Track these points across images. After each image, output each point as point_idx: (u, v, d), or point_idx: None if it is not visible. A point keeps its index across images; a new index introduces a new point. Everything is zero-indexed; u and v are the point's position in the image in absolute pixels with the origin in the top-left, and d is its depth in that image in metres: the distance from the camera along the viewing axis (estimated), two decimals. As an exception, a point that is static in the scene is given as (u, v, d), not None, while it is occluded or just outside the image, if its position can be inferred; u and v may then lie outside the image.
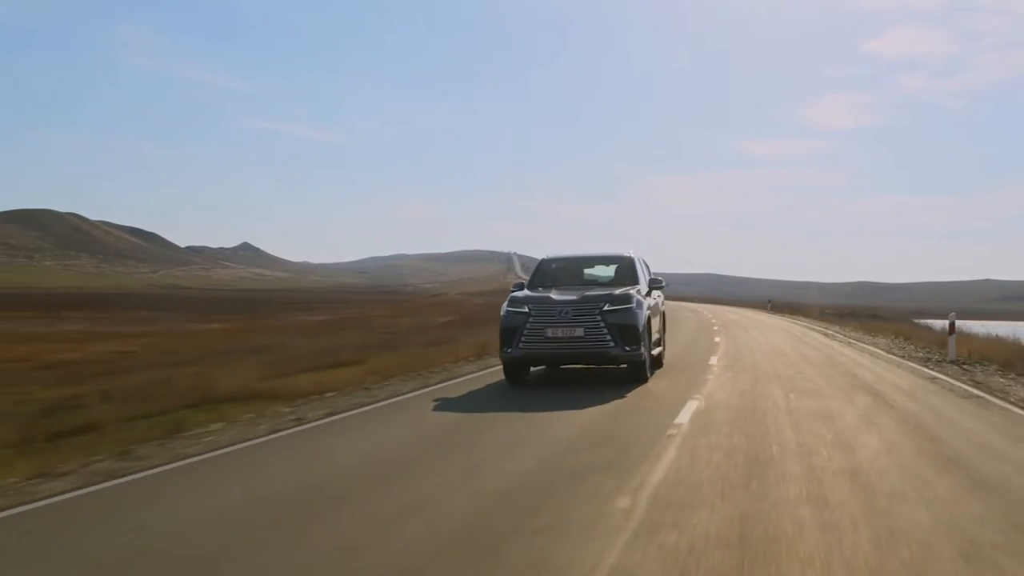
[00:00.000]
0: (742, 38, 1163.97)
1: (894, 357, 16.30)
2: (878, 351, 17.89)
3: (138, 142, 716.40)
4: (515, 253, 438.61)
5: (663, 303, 14.19)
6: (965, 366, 13.88)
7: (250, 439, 7.62)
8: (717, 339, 20.46)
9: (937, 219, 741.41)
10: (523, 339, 11.05)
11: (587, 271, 13.43)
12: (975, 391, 10.62)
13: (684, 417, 8.18)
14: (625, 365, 11.34)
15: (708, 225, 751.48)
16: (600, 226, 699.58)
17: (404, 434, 8.12)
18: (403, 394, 10.72)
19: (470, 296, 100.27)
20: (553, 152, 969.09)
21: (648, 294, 12.28)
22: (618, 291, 11.53)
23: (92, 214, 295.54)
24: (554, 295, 11.48)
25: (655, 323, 12.66)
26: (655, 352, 12.67)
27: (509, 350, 11.23)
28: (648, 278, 12.92)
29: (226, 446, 7.32)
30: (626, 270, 12.86)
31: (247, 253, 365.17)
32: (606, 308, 10.96)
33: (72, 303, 57.84)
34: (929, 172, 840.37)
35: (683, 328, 25.32)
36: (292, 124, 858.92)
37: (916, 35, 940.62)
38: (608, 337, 10.82)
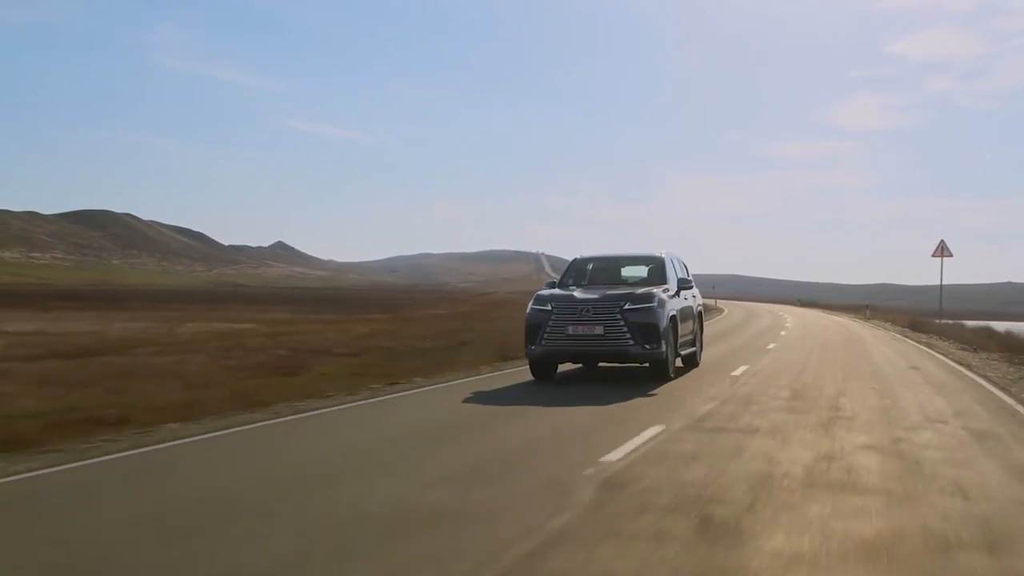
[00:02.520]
0: (769, 38, 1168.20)
1: (849, 319, 43.08)
2: (844, 317, 44.82)
3: (166, 141, 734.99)
4: (543, 253, 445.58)
5: (699, 304, 14.98)
6: (872, 320, 39.57)
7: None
8: (783, 313, 47.92)
9: (961, 222, 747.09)
10: (545, 336, 11.76)
11: (619, 271, 14.03)
12: (865, 323, 38.02)
13: (788, 323, 34.63)
14: (647, 364, 11.98)
15: (735, 225, 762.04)
16: (629, 226, 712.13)
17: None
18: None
19: (520, 295, 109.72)
20: (582, 152, 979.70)
21: (676, 294, 12.83)
22: (640, 290, 12.15)
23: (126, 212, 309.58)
24: (577, 294, 12.23)
25: (687, 323, 13.31)
26: (685, 352, 13.42)
27: (532, 347, 11.98)
28: (678, 278, 13.44)
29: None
30: (657, 270, 13.35)
31: (283, 252, 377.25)
32: (627, 307, 11.56)
33: (216, 299, 67.77)
34: (955, 174, 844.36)
35: (762, 310, 53.37)
36: (318, 124, 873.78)
37: (942, 37, 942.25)
38: (628, 335, 11.44)
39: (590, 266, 13.92)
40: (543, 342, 11.79)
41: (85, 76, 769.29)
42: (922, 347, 21.91)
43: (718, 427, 8.26)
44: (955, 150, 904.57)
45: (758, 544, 4.36)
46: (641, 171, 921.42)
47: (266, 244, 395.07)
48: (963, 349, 20.16)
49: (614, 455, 6.67)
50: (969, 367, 15.47)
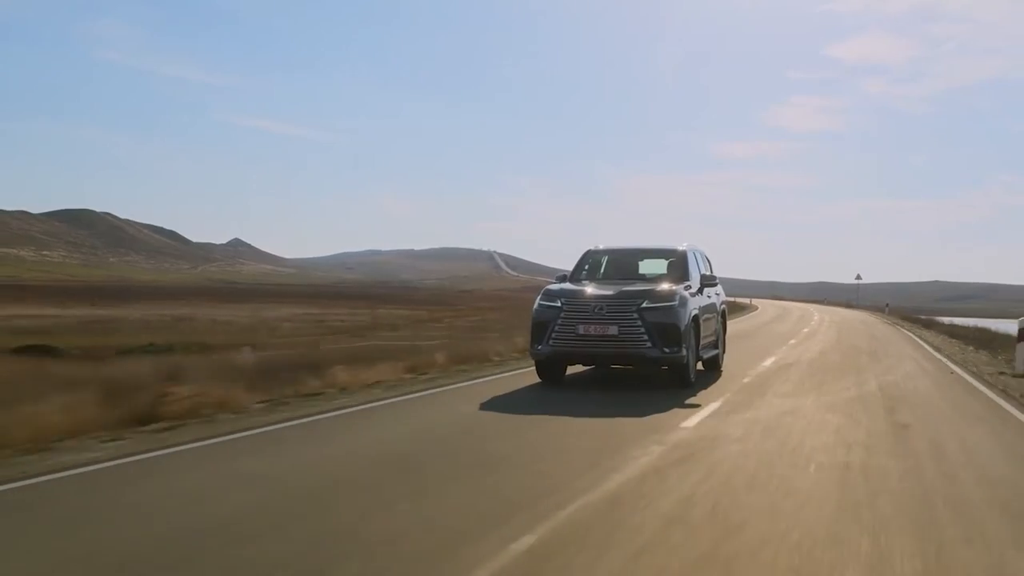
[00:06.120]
0: (712, 39, 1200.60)
1: (816, 306, 77.17)
2: (812, 305, 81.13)
3: (116, 137, 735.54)
4: (496, 251, 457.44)
5: (721, 303, 14.21)
6: (826, 305, 74.58)
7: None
8: (785, 303, 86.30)
9: (896, 222, 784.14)
10: (553, 335, 10.99)
11: (637, 265, 13.21)
12: (824, 306, 74.95)
13: (799, 305, 74.02)
14: (665, 367, 11.17)
15: (681, 224, 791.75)
16: (576, 225, 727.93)
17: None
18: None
19: (515, 292, 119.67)
20: (529, 151, 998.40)
21: (699, 292, 12.20)
22: (659, 287, 11.39)
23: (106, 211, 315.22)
24: (590, 289, 11.42)
25: (709, 324, 12.71)
26: (707, 356, 12.80)
27: (539, 347, 11.21)
28: (701, 274, 12.76)
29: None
30: (678, 265, 12.56)
31: (243, 248, 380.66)
32: (644, 305, 10.78)
33: (264, 295, 75.31)
34: (891, 176, 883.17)
35: (764, 301, 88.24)
36: (264, 120, 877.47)
37: (878, 40, 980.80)
38: (645, 337, 10.66)
39: (605, 259, 13.21)
40: (551, 342, 11.02)
41: (28, 69, 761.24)
42: (848, 310, 61.94)
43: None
44: (890, 152, 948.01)
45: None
46: (592, 169, 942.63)
47: (225, 241, 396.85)
48: (864, 310, 61.01)
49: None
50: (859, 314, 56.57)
